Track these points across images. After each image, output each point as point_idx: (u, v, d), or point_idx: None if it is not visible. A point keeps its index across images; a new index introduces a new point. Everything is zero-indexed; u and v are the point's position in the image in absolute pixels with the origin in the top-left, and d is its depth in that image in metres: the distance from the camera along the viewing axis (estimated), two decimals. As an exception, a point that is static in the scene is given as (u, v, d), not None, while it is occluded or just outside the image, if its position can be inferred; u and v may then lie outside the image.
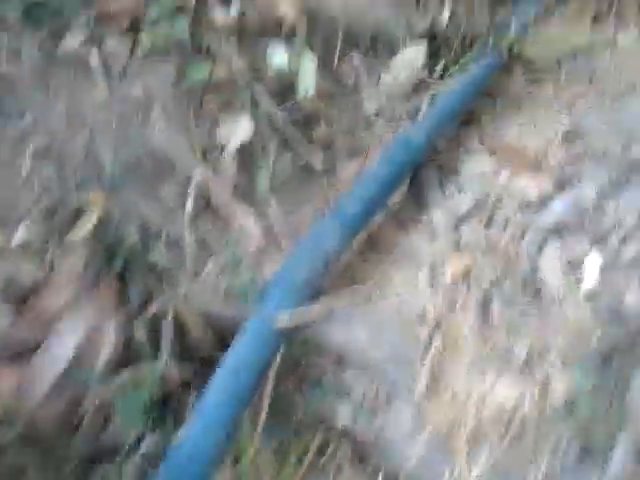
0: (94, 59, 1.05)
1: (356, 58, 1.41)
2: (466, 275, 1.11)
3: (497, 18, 1.49)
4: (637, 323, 0.99)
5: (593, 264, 1.06)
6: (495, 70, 1.47)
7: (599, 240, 1.09)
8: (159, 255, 0.91)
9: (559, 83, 1.58)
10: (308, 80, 1.20)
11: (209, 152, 1.10)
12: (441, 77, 1.47)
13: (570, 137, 1.39)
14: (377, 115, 1.40)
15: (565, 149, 1.34)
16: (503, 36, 1.45)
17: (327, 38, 1.39)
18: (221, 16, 1.21)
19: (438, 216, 1.18)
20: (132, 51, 1.06)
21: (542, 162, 1.32)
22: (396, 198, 1.27)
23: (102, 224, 0.86)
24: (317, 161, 1.29)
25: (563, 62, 1.65)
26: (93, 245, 0.86)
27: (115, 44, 1.08)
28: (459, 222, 1.20)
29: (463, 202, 1.23)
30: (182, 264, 0.92)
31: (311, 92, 1.21)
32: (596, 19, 1.75)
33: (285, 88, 1.25)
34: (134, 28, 1.09)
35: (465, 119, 1.43)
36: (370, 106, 1.39)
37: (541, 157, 1.33)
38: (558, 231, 1.13)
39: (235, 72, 1.19)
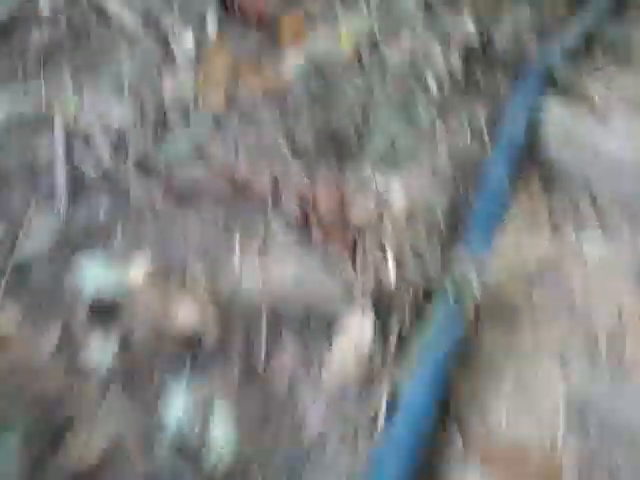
0: None
1: (288, 354, 1.09)
2: None
3: (452, 260, 1.23)
4: None
5: None
6: (460, 328, 1.19)
7: None
8: None
9: (536, 322, 1.31)
10: (222, 442, 0.84)
11: None
12: (397, 353, 1.17)
13: (577, 418, 1.09)
14: (321, 436, 1.05)
15: (576, 442, 1.04)
16: (464, 284, 1.18)
17: (248, 333, 1.07)
18: (95, 358, 0.87)
19: None
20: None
21: (550, 467, 1.01)
22: None
23: None
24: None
25: (533, 289, 1.40)
26: None
27: None
28: None
29: None
30: None
31: (227, 459, 0.84)
32: (555, 225, 1.56)
33: (188, 449, 0.89)
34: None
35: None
36: (312, 425, 1.04)
37: (548, 459, 1.03)
38: None
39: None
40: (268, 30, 1.37)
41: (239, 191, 1.12)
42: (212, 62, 1.24)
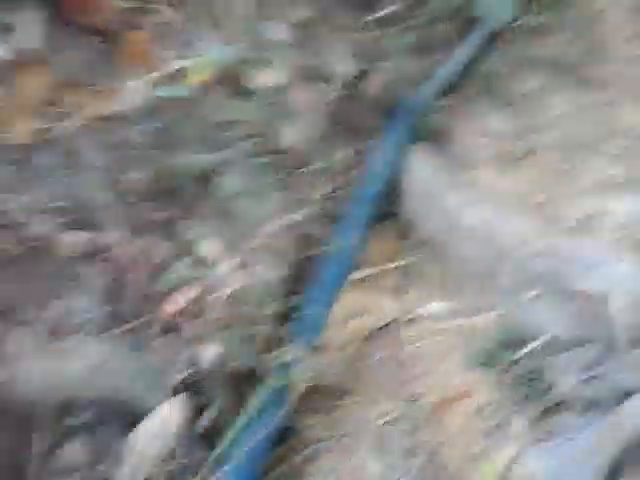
0: None
1: (75, 455, 0.93)
2: None
3: (281, 341, 1.14)
4: None
5: None
6: (281, 413, 1.10)
7: None
8: None
9: (361, 402, 1.24)
10: None
11: None
12: (210, 439, 1.07)
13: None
14: None
15: None
16: (286, 373, 1.09)
17: (25, 436, 0.90)
18: None
19: None
20: None
21: None
22: None
23: None
24: None
25: (365, 359, 1.36)
26: None
27: None
28: None
29: None
30: None
31: None
32: (398, 287, 1.52)
33: None
34: None
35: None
36: None
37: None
38: None
39: None
40: (109, 43, 1.16)
41: (31, 254, 0.93)
42: (24, 80, 1.02)
